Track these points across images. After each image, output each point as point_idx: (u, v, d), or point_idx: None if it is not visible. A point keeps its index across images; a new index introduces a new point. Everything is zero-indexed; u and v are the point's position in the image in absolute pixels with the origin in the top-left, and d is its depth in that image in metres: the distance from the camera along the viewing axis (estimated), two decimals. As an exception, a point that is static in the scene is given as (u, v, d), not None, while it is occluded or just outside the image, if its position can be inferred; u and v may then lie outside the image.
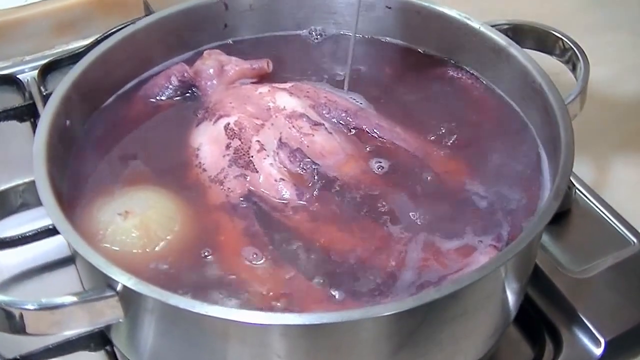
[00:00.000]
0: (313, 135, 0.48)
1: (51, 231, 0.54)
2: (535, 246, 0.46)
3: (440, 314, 0.38)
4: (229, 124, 0.48)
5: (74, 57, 0.71)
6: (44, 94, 0.66)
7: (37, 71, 0.71)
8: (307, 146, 0.48)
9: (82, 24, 0.78)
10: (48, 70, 0.71)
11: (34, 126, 0.65)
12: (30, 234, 0.54)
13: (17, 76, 0.71)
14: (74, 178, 0.46)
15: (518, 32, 0.56)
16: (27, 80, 0.71)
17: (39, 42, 0.76)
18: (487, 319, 0.42)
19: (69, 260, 0.55)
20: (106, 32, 0.72)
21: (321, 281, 0.41)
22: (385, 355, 0.38)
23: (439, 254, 0.42)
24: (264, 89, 0.51)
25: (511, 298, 0.42)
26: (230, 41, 0.57)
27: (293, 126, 0.49)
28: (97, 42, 0.72)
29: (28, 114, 0.65)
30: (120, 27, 0.71)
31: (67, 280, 0.53)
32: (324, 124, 0.49)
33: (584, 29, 0.75)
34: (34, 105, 0.66)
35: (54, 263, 0.55)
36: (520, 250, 0.38)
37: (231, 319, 0.35)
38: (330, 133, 0.49)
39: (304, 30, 0.58)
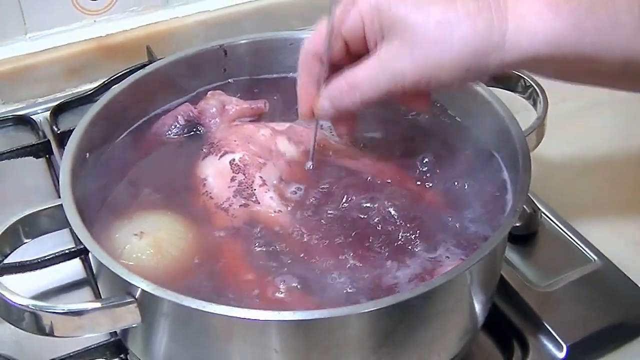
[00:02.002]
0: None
1: (66, 255, 0.61)
2: (499, 257, 0.52)
3: (415, 315, 0.45)
4: (234, 159, 0.55)
5: (83, 99, 0.79)
6: (58, 132, 0.72)
7: (49, 112, 0.77)
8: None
9: (89, 69, 0.84)
10: (59, 111, 0.77)
11: (49, 162, 0.72)
12: (48, 257, 0.60)
13: (31, 116, 0.78)
14: (92, 204, 0.53)
15: None
16: (40, 120, 0.78)
17: (50, 86, 0.83)
18: (458, 321, 0.49)
19: (83, 282, 0.62)
20: (112, 76, 0.80)
21: (311, 291, 0.47)
22: (368, 352, 0.45)
23: (415, 265, 0.49)
24: (266, 131, 0.58)
25: (478, 303, 0.49)
26: (230, 81, 0.64)
27: (292, 170, 0.56)
28: (104, 85, 0.81)
29: (43, 150, 0.72)
30: (125, 71, 0.80)
31: (81, 300, 0.59)
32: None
33: None
34: (48, 142, 0.72)
35: (69, 285, 0.62)
36: (483, 257, 0.45)
37: (235, 315, 0.42)
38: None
39: (296, 74, 0.65)
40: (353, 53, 0.51)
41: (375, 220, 0.52)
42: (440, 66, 0.47)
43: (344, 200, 0.54)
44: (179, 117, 0.60)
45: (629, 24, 0.46)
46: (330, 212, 0.53)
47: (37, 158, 0.72)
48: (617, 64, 0.47)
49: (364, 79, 0.49)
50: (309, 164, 0.56)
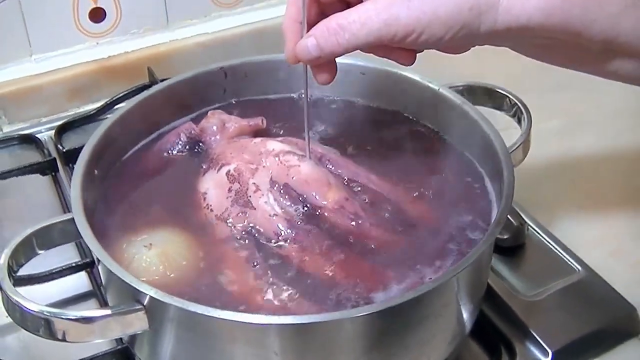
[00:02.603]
0: (299, 166, 0.56)
1: (73, 268, 0.65)
2: (485, 265, 0.56)
3: (405, 318, 0.48)
4: (229, 170, 0.58)
5: (86, 119, 0.83)
6: (63, 151, 0.76)
7: (53, 131, 0.80)
8: (293, 178, 0.56)
9: (92, 89, 0.88)
10: (63, 130, 0.81)
11: (55, 179, 0.75)
12: (56, 270, 0.64)
13: (36, 135, 0.82)
14: (100, 218, 0.56)
15: (471, 92, 0.65)
16: (45, 139, 0.81)
17: (54, 106, 0.86)
18: (446, 326, 0.52)
19: (89, 294, 0.65)
20: (114, 97, 0.83)
21: (307, 295, 0.51)
22: (362, 353, 0.48)
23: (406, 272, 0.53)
24: (257, 139, 0.61)
25: (465, 309, 0.53)
26: (232, 101, 0.67)
27: (281, 162, 0.57)
28: (106, 105, 0.84)
29: (49, 168, 0.76)
30: (127, 92, 0.84)
31: (88, 311, 0.64)
32: (309, 157, 0.57)
33: (539, 88, 0.86)
34: (54, 160, 0.76)
35: (75, 297, 0.65)
36: (469, 264, 0.48)
37: (238, 320, 0.45)
38: (315, 164, 0.57)
39: (294, 94, 0.68)
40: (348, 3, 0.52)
41: (367, 226, 0.55)
42: (435, 17, 0.48)
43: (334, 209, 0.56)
44: (182, 134, 0.63)
45: (614, 3, 0.49)
46: (322, 216, 0.56)
47: (43, 175, 0.75)
48: (598, 41, 0.50)
49: (356, 21, 0.49)
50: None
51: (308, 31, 0.52)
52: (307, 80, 0.56)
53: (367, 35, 0.50)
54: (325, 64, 0.54)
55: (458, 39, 0.50)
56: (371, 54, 0.56)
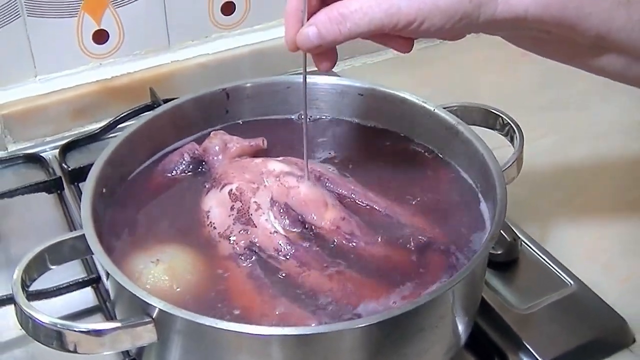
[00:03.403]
0: (298, 187, 0.59)
1: (80, 284, 0.67)
2: (479, 279, 0.59)
3: (402, 329, 0.51)
4: (231, 189, 0.61)
5: (89, 138, 0.86)
6: (69, 169, 0.78)
7: (57, 150, 0.83)
8: (293, 198, 0.59)
9: (95, 109, 0.90)
10: (67, 149, 0.83)
11: (60, 197, 0.78)
12: (64, 286, 0.66)
13: (41, 154, 0.84)
14: (108, 234, 0.59)
15: (465, 112, 0.68)
16: (49, 157, 0.84)
17: (58, 125, 0.89)
18: (442, 337, 0.55)
19: (95, 309, 0.68)
20: (117, 116, 0.86)
21: (307, 308, 0.53)
22: (362, 364, 0.52)
23: (403, 286, 0.56)
24: (258, 160, 0.64)
25: (461, 321, 0.56)
26: (233, 122, 0.70)
27: (281, 182, 0.60)
28: (109, 125, 0.87)
29: (55, 186, 0.78)
30: (129, 112, 0.87)
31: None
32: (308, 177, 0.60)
33: (533, 108, 0.90)
34: (60, 179, 0.78)
35: (82, 312, 0.67)
36: (463, 278, 0.51)
37: (242, 331, 0.48)
38: (313, 185, 0.60)
39: (293, 115, 0.71)
40: None
41: (362, 245, 0.58)
42: (435, 7, 0.50)
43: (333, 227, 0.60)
44: (185, 154, 0.66)
45: (607, 0, 0.52)
46: (320, 234, 0.59)
47: (49, 193, 0.78)
48: (590, 36, 0.53)
49: (357, 10, 0.51)
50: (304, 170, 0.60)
51: (308, 20, 0.53)
52: (306, 77, 0.57)
53: (369, 24, 0.51)
54: (326, 52, 0.55)
55: (457, 28, 0.52)
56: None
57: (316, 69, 0.58)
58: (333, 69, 0.59)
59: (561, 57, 0.58)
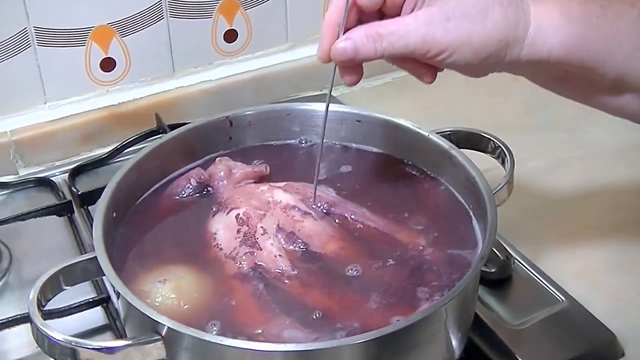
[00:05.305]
0: (303, 222, 0.64)
1: (91, 303, 0.70)
2: (471, 296, 0.62)
3: (399, 345, 0.54)
4: (239, 214, 0.65)
5: (97, 162, 0.88)
6: (79, 193, 0.81)
7: (67, 174, 0.85)
8: (299, 230, 0.63)
9: (102, 134, 0.92)
10: (76, 173, 0.86)
11: (70, 220, 0.80)
12: (75, 305, 0.69)
13: (51, 178, 0.87)
14: (119, 255, 0.62)
15: (458, 136, 0.70)
16: (59, 181, 0.86)
17: (67, 150, 0.92)
18: (436, 352, 0.58)
19: (105, 327, 0.70)
20: (124, 141, 0.89)
21: (308, 325, 0.57)
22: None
23: (399, 305, 0.59)
24: (264, 187, 0.68)
25: (454, 337, 0.58)
26: (237, 148, 0.73)
27: (287, 215, 0.64)
28: (116, 150, 0.90)
29: (65, 210, 0.80)
30: (136, 137, 0.90)
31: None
32: (311, 213, 0.65)
33: (524, 130, 0.92)
34: (70, 202, 0.81)
35: (92, 330, 0.70)
36: (456, 295, 0.55)
37: (247, 348, 0.51)
38: (316, 220, 0.64)
39: (294, 140, 0.74)
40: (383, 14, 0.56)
41: (360, 271, 0.62)
42: (467, 42, 0.53)
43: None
44: (192, 179, 0.70)
45: (629, 42, 0.55)
46: (322, 259, 0.63)
47: (59, 217, 0.81)
48: (610, 79, 0.56)
49: (395, 32, 0.53)
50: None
51: (345, 34, 0.55)
52: (333, 81, 0.60)
53: (404, 47, 0.54)
54: (354, 67, 0.57)
55: (483, 65, 0.55)
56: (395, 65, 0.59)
57: (314, 94, 0.61)
58: (332, 94, 0.62)
59: (581, 97, 0.60)
